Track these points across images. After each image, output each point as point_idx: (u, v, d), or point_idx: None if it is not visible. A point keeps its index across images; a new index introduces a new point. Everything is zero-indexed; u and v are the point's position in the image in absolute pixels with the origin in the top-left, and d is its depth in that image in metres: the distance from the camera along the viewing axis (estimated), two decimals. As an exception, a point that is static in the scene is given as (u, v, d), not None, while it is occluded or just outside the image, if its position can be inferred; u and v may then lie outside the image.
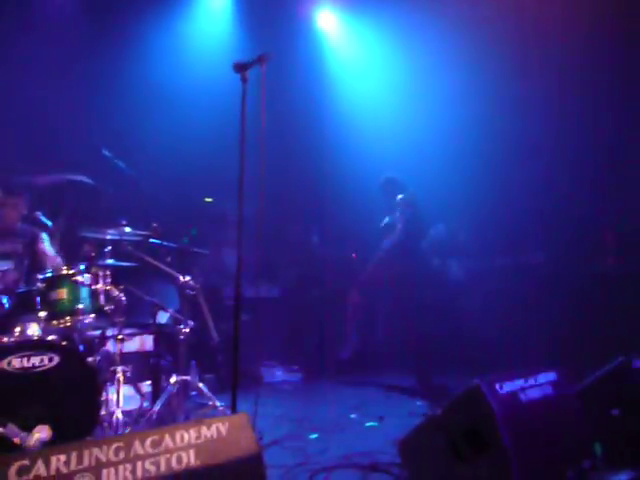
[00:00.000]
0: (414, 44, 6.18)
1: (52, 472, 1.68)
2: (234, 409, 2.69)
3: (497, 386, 2.49)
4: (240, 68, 2.88)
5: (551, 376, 2.78)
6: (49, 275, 3.25)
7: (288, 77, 6.03)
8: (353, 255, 6.24)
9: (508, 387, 2.53)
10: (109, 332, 3.72)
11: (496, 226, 6.25)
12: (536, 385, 2.68)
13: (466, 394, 2.49)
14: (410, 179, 5.36)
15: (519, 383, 2.61)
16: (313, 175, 6.83)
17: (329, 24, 6.96)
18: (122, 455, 1.79)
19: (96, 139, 5.00)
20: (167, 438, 1.89)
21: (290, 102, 5.94)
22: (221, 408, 3.50)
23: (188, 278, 3.63)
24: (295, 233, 6.45)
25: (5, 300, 3.32)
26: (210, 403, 3.58)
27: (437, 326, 5.26)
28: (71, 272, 3.24)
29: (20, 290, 3.50)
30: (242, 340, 2.92)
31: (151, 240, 3.92)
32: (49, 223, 3.85)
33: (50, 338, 2.98)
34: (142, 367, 4.36)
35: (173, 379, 3.52)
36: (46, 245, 3.80)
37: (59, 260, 3.86)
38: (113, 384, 3.30)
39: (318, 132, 6.81)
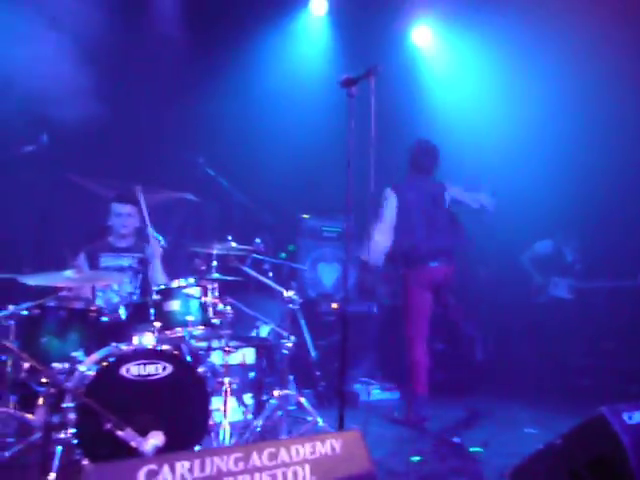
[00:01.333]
0: (510, 55, 6.03)
1: (177, 478, 1.73)
2: (341, 426, 2.67)
3: (625, 416, 2.31)
4: (348, 83, 2.89)
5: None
6: (163, 287, 3.41)
7: (384, 93, 6.05)
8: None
9: (638, 417, 2.34)
10: (214, 344, 3.83)
11: (606, 245, 5.91)
12: (667, 417, 2.46)
13: (590, 423, 2.32)
14: (509, 190, 5.19)
15: (649, 414, 2.41)
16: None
17: (424, 39, 6.93)
18: (241, 466, 1.82)
19: (201, 159, 5.23)
20: (283, 451, 1.90)
21: (387, 118, 5.93)
22: (322, 424, 3.49)
23: (292, 292, 3.68)
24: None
25: (122, 310, 3.51)
26: (310, 418, 3.58)
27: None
28: (183, 284, 3.38)
29: (135, 301, 3.71)
30: (339, 356, 2.91)
31: (254, 255, 4.04)
32: (160, 238, 4.05)
33: (164, 348, 3.11)
34: (243, 380, 4.46)
35: (276, 393, 3.55)
36: (157, 262, 4.00)
37: (166, 277, 4.06)
38: (219, 395, 3.39)
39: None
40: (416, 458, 3.54)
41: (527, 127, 5.96)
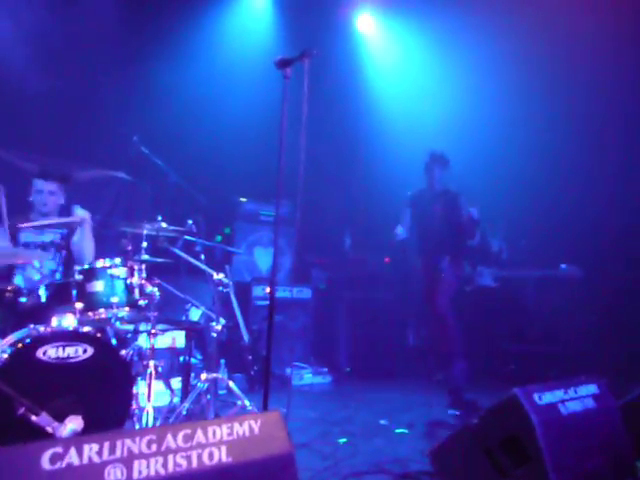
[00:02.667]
0: (453, 48, 6.13)
1: (85, 461, 1.67)
2: (265, 408, 2.66)
3: (536, 396, 2.41)
4: (282, 64, 2.84)
5: (592, 389, 2.68)
6: (86, 267, 3.28)
7: (325, 78, 6.04)
8: (386, 259, 6.18)
9: (547, 398, 2.44)
10: (142, 327, 3.74)
11: (532, 235, 6.14)
12: (576, 397, 2.59)
13: (503, 404, 2.41)
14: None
15: (559, 395, 2.52)
16: (347, 177, 6.82)
17: (368, 27, 6.95)
18: (154, 448, 1.77)
19: (136, 137, 5.05)
20: (199, 433, 1.87)
21: (327, 103, 5.93)
22: (251, 408, 3.48)
23: (222, 275, 3.63)
24: (328, 235, 6.42)
25: (42, 291, 3.36)
26: (239, 402, 3.56)
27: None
28: (108, 265, 3.27)
29: (57, 281, 3.55)
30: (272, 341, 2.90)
31: (186, 237, 3.95)
32: (79, 211, 3.86)
33: (85, 329, 3.00)
34: (172, 364, 4.39)
35: (204, 376, 3.51)
36: (86, 228, 3.79)
37: (93, 252, 3.88)
38: (144, 379, 3.31)
39: (354, 134, 6.80)
40: (343, 440, 3.59)
41: (462, 117, 6.09)
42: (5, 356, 2.81)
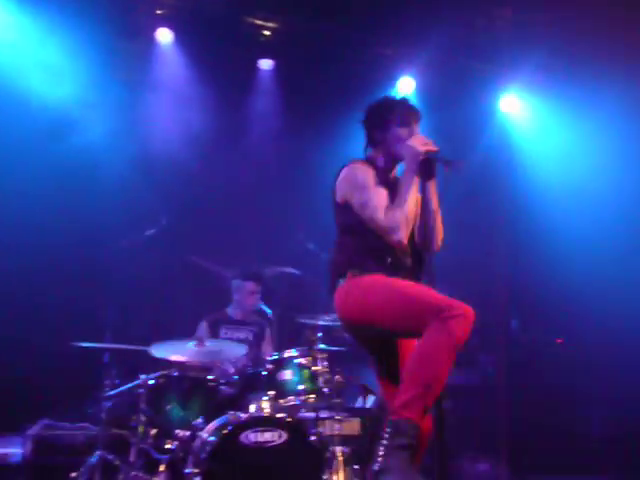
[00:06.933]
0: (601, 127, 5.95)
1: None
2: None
3: None
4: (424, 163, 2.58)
5: None
6: (276, 357, 3.59)
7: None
8: (557, 340, 5.88)
9: None
10: (323, 414, 3.91)
11: None
12: None
13: None
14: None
15: None
16: (503, 255, 6.66)
17: (514, 108, 6.98)
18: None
19: (301, 233, 5.49)
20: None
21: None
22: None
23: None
24: (492, 318, 6.27)
25: (237, 381, 3.71)
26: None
27: None
28: (295, 354, 3.54)
29: (250, 371, 3.90)
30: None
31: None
32: (269, 312, 4.28)
33: (280, 415, 3.24)
34: (350, 451, 4.46)
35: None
36: (268, 335, 4.22)
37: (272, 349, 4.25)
38: (331, 466, 3.42)
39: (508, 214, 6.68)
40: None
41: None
42: (213, 439, 3.11)
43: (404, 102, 2.72)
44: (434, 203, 2.54)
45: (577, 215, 5.94)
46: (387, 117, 2.66)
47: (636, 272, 5.48)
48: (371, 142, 2.74)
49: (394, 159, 2.63)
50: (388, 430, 2.20)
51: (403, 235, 2.45)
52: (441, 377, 2.21)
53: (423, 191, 2.54)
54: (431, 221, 2.53)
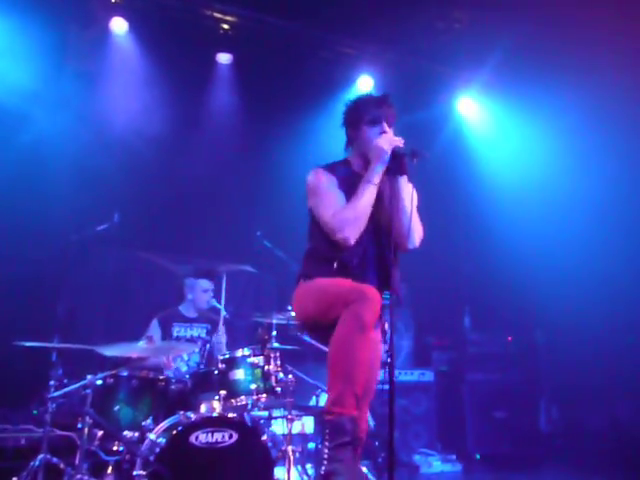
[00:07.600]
0: (557, 128, 6.08)
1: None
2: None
3: None
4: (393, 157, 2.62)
5: None
6: (228, 356, 3.54)
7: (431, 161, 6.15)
8: (508, 338, 6.01)
9: None
10: (275, 413, 3.89)
11: None
12: None
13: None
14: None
15: None
16: (458, 256, 6.78)
17: (470, 109, 7.08)
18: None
19: (259, 230, 5.45)
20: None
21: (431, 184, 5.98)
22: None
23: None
24: (446, 316, 6.38)
25: (189, 380, 3.65)
26: (373, 490, 3.54)
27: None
28: (247, 353, 3.51)
29: (201, 370, 3.84)
30: (397, 426, 2.89)
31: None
32: (223, 309, 4.22)
33: (231, 415, 3.20)
34: (303, 450, 4.46)
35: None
36: (221, 333, 4.16)
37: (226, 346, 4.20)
38: (282, 464, 3.41)
39: (462, 211, 6.78)
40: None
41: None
42: (162, 441, 3.05)
43: (377, 100, 2.70)
44: (407, 200, 2.52)
45: (533, 215, 6.08)
46: (357, 116, 2.66)
47: (591, 270, 5.63)
48: (348, 141, 2.74)
49: (367, 158, 2.61)
50: (327, 432, 2.22)
51: (350, 234, 2.45)
52: (359, 362, 2.26)
53: (395, 188, 2.54)
54: (404, 218, 2.52)
